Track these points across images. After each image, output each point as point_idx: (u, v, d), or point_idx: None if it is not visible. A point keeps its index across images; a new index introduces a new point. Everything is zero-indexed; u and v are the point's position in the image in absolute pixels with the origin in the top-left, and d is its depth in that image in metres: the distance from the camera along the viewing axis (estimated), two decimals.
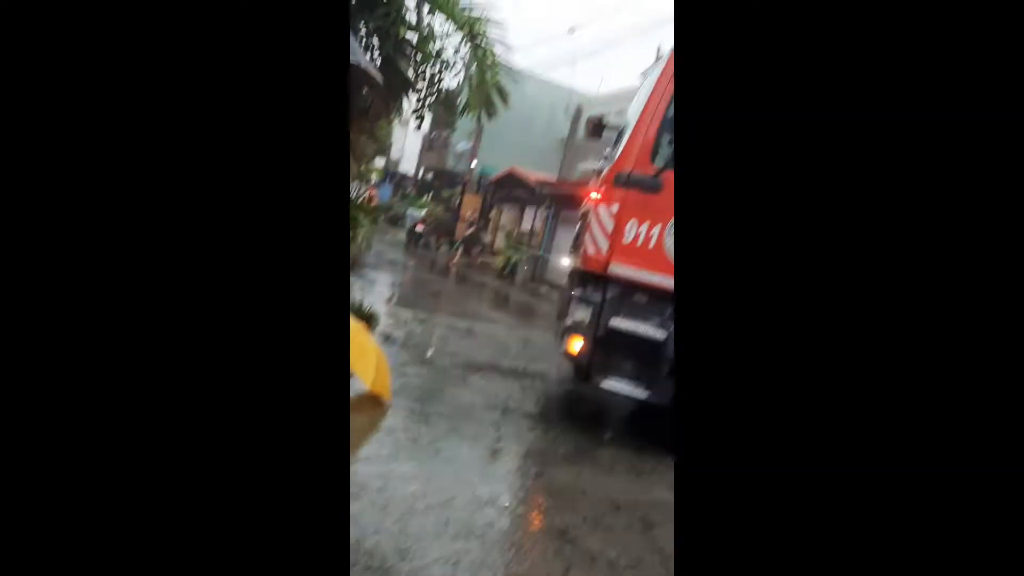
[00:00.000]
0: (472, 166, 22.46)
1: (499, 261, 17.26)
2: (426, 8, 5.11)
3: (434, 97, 6.07)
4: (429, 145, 26.46)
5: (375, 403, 3.81)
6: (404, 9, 5.12)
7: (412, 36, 5.34)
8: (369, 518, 2.49)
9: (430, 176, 26.13)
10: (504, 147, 19.90)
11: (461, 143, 22.42)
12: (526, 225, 19.07)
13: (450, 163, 24.17)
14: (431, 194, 22.78)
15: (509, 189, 19.99)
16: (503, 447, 3.70)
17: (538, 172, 18.25)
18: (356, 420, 3.50)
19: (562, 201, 16.01)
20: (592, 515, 2.94)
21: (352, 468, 3.03)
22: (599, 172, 5.19)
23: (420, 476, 2.98)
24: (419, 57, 5.45)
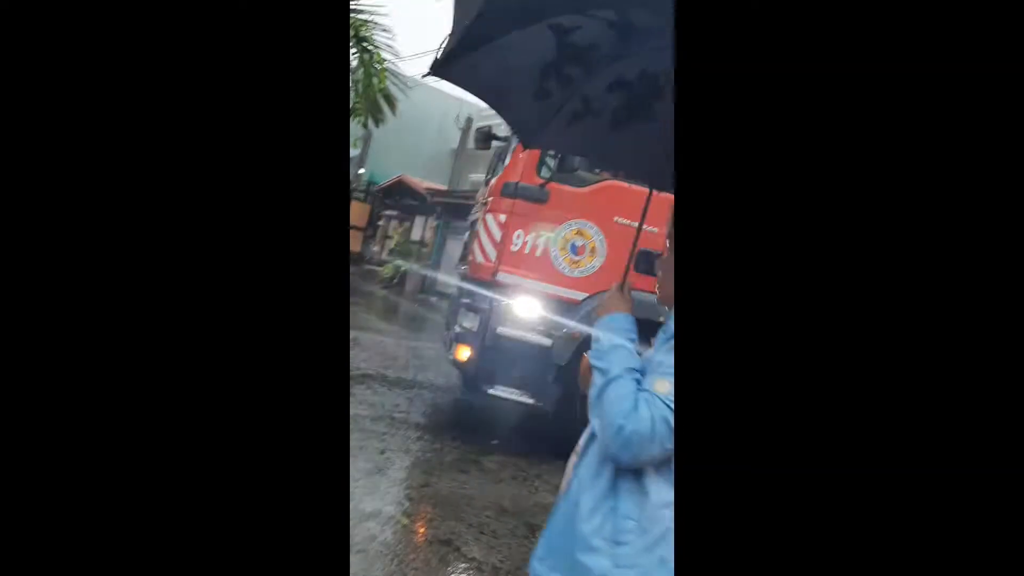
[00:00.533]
0: (360, 172, 21.97)
1: (387, 271, 16.96)
2: None
3: None
4: None
5: None
6: None
7: None
8: None
9: None
10: (394, 155, 19.64)
11: (350, 150, 21.86)
12: (416, 234, 18.89)
13: None
14: None
15: (398, 197, 19.73)
16: (389, 458, 3.62)
17: (428, 181, 18.16)
18: None
19: (452, 211, 16.02)
20: (477, 522, 2.94)
21: None
22: (487, 182, 5.25)
23: None
24: None
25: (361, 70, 5.65)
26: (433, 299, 14.57)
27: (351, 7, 5.16)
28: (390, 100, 5.98)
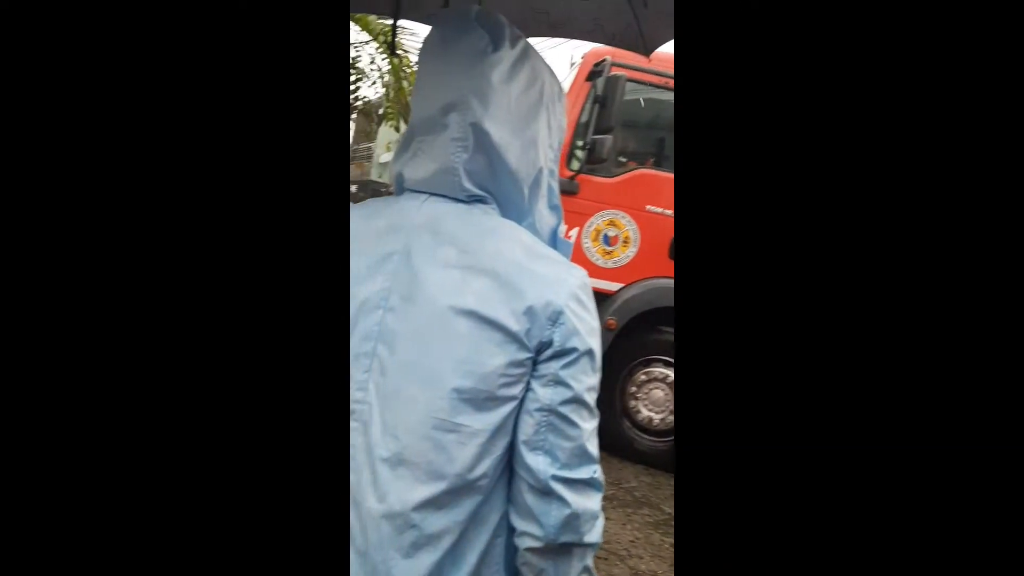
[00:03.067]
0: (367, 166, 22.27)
1: None
2: None
3: (354, 111, 6.02)
4: (351, 157, 26.05)
5: None
6: None
7: None
8: None
9: (354, 188, 25.73)
10: None
11: (384, 155, 22.20)
12: None
13: (374, 174, 23.89)
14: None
15: None
16: None
17: None
18: None
19: None
20: None
21: None
22: None
23: None
24: None
25: (390, 75, 5.76)
26: None
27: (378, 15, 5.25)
28: None
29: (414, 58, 5.87)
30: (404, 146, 0.82)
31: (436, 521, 0.70)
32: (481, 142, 0.76)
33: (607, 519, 3.10)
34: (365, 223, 0.81)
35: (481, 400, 0.70)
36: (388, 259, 0.76)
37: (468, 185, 0.77)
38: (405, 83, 5.80)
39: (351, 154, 25.37)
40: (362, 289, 0.76)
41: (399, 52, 5.65)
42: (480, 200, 0.79)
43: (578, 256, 4.19)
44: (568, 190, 4.22)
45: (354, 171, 25.93)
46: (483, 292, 0.71)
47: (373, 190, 23.00)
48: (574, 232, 4.22)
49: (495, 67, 0.76)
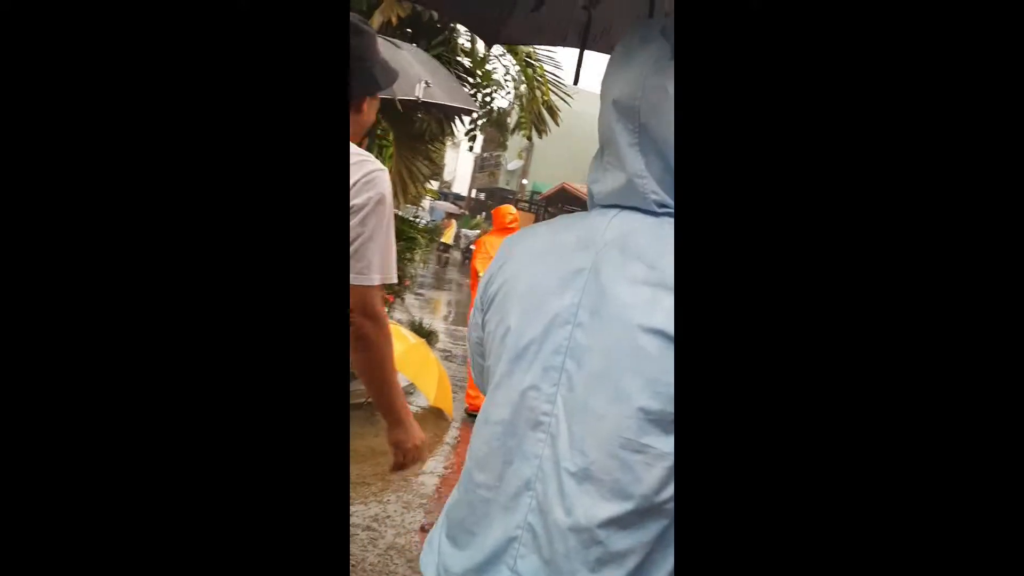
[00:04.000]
0: (524, 183, 22.68)
1: None
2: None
3: (486, 119, 6.21)
4: (481, 165, 26.88)
5: (439, 417, 3.89)
6: (458, 34, 5.27)
7: (466, 60, 5.49)
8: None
9: (483, 196, 26.51)
10: (554, 163, 20.03)
11: (512, 162, 22.68)
12: None
13: (502, 182, 24.47)
14: (484, 214, 23.10)
15: (561, 204, 20.06)
16: None
17: None
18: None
19: None
20: None
21: (419, 479, 3.10)
22: None
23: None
24: (475, 80, 5.59)
25: (524, 84, 5.87)
26: None
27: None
28: (553, 111, 6.14)
29: (548, 67, 5.95)
30: (595, 162, 0.82)
31: (621, 540, 0.69)
32: (660, 151, 0.76)
33: None
34: (555, 237, 0.82)
35: (668, 422, 0.69)
36: (578, 274, 0.76)
37: (654, 195, 0.76)
38: (539, 92, 5.89)
39: (481, 163, 26.20)
40: (553, 303, 0.76)
41: (532, 62, 5.74)
42: (670, 212, 0.77)
43: None
44: None
45: (485, 179, 26.72)
46: (673, 311, 0.69)
47: (501, 197, 23.58)
48: None
49: (671, 78, 0.75)
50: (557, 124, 6.34)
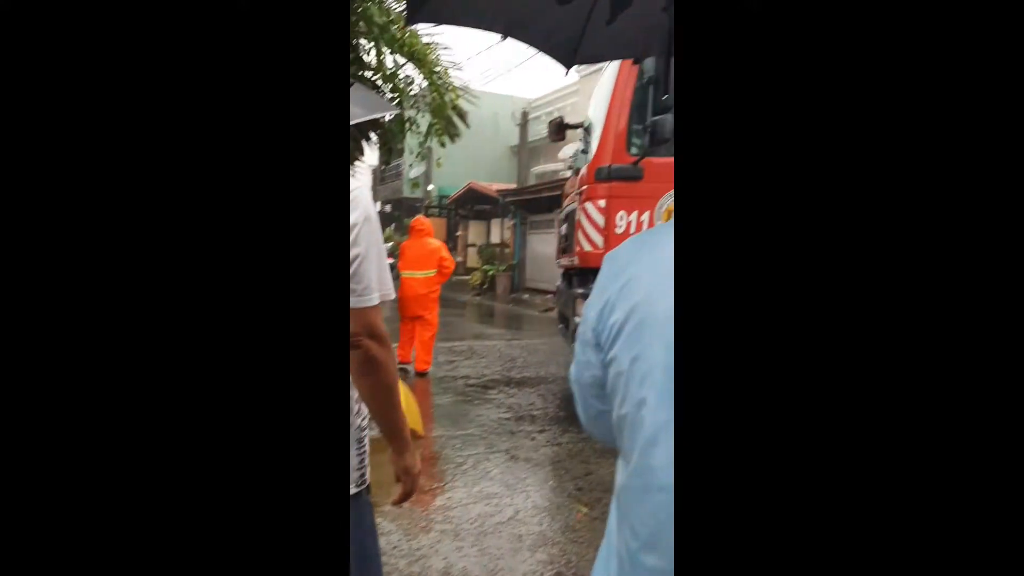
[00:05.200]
0: (429, 189, 22.47)
1: (475, 278, 17.29)
2: (382, 46, 5.16)
3: (394, 129, 6.12)
4: (382, 177, 26.39)
5: (414, 436, 3.82)
6: (360, 51, 5.17)
7: (371, 75, 5.39)
8: (447, 546, 2.51)
9: (388, 208, 26.07)
10: (457, 164, 19.97)
11: (414, 169, 22.41)
12: (495, 237, 19.14)
13: (406, 191, 24.15)
14: (393, 226, 22.74)
15: (471, 205, 20.05)
16: (544, 453, 3.74)
17: (496, 183, 18.36)
18: None
19: (526, 207, 16.13)
20: None
21: (409, 504, 3.05)
22: (576, 172, 5.29)
23: (478, 498, 3.00)
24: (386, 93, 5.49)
25: (432, 92, 5.82)
26: (525, 296, 14.72)
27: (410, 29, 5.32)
28: (462, 114, 6.13)
29: (452, 72, 5.93)
30: None
31: None
32: None
33: None
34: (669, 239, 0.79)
35: None
36: None
37: None
38: (447, 97, 5.87)
39: (381, 175, 25.70)
40: (662, 305, 0.70)
41: (437, 69, 5.71)
42: None
43: None
44: (633, 176, 4.21)
45: (385, 191, 26.21)
46: None
47: (409, 206, 23.26)
48: (645, 217, 4.21)
49: None
50: (467, 127, 6.35)
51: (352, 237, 1.05)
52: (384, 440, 1.19)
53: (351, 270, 1.04)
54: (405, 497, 1.24)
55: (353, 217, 1.05)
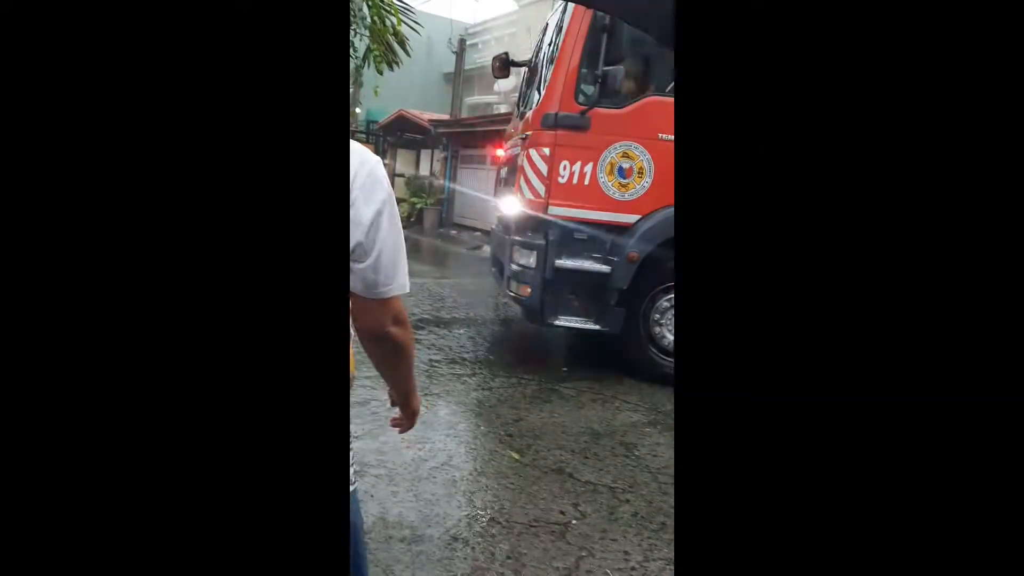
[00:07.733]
0: (356, 112, 21.44)
1: (402, 210, 16.90)
2: None
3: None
4: None
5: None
6: None
7: None
8: (382, 491, 2.54)
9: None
10: (387, 88, 19.09)
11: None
12: (424, 169, 18.66)
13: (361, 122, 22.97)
14: None
15: (400, 133, 19.34)
16: (474, 397, 3.81)
17: (429, 112, 17.74)
18: None
19: (459, 140, 15.75)
20: (578, 447, 3.13)
21: None
22: (522, 116, 5.18)
23: (410, 441, 3.04)
24: None
25: (373, 14, 5.47)
26: (453, 232, 14.59)
27: None
28: (402, 42, 5.82)
29: None
30: None
31: None
32: None
33: (657, 444, 3.28)
34: None
35: None
36: None
37: None
38: (389, 22, 5.54)
39: None
40: None
41: None
42: None
43: (595, 192, 4.20)
44: (580, 126, 4.17)
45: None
46: None
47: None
48: (589, 168, 4.21)
49: None
50: (408, 54, 6.04)
51: (380, 223, 0.94)
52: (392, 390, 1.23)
53: (381, 260, 0.95)
54: (406, 430, 1.29)
55: (379, 201, 0.94)
